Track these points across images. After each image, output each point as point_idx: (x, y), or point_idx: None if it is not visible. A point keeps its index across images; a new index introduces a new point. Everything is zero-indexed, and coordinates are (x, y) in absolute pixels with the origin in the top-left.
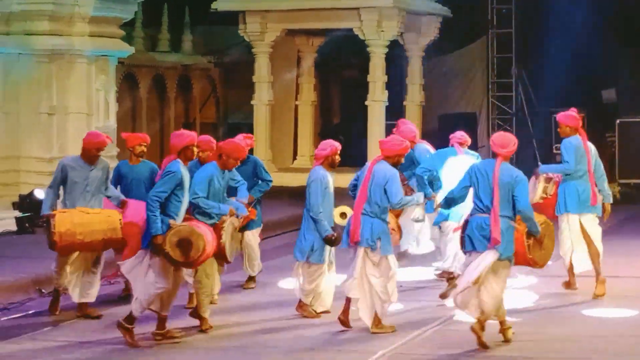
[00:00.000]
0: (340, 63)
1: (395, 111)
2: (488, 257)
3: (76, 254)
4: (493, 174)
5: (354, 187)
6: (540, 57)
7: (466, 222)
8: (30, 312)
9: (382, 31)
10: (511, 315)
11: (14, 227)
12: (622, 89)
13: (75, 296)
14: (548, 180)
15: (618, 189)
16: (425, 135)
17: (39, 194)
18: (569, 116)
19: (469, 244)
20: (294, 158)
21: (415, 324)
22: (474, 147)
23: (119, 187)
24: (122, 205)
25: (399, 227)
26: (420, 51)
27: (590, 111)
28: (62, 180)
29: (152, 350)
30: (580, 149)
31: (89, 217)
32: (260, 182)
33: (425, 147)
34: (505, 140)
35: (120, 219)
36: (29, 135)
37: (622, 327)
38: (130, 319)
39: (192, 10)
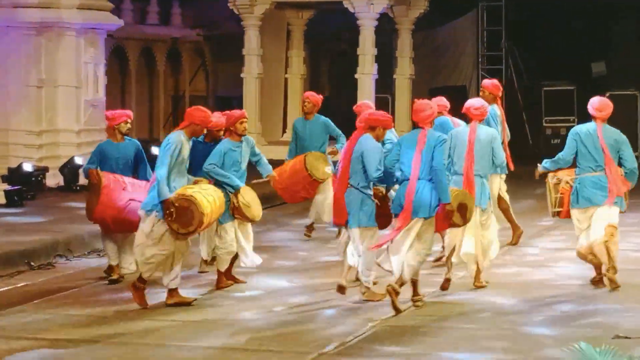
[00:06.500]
0: (330, 36)
1: (385, 85)
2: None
3: None
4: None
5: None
6: (531, 30)
7: None
8: (19, 284)
9: (372, 4)
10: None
11: (2, 200)
12: (612, 62)
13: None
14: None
15: None
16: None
17: (28, 167)
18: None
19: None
20: (284, 131)
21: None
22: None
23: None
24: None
25: None
26: (410, 24)
27: (580, 84)
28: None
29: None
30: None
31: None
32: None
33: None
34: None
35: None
36: (18, 108)
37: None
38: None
39: None
